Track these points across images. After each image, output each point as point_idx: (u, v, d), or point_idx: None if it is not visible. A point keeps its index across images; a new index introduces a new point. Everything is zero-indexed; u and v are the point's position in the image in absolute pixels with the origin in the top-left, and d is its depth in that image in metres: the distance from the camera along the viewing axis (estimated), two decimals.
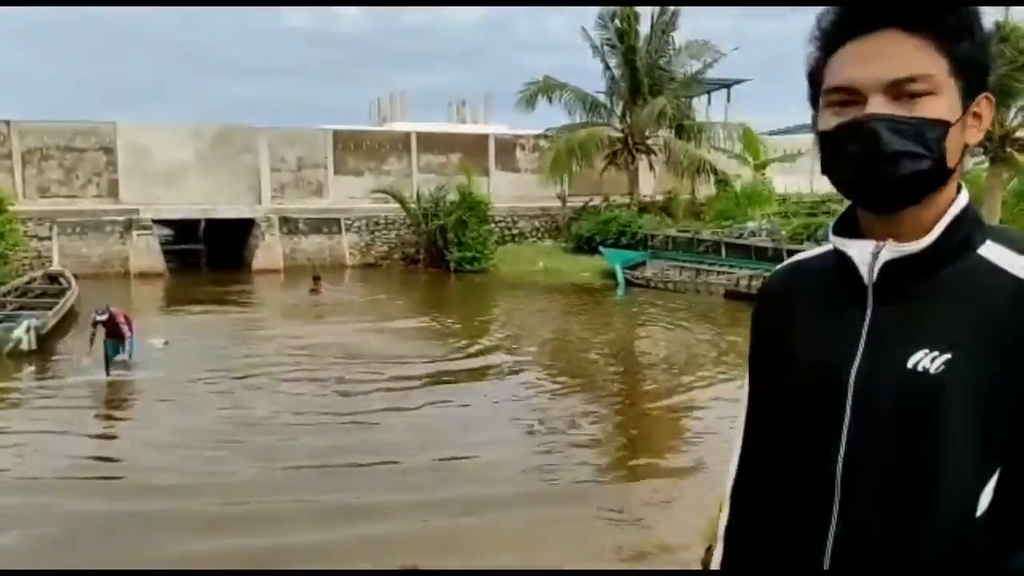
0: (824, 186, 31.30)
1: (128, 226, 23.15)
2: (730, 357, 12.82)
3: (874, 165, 1.02)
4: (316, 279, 20.06)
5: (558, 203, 27.40)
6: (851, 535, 1.06)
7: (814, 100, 1.13)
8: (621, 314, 18.01)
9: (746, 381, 1.28)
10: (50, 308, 14.64)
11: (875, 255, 1.08)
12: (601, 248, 23.15)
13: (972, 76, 1.05)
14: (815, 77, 1.11)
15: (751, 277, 18.95)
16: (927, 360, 1.02)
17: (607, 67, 26.42)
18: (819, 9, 1.12)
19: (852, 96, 1.04)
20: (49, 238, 22.39)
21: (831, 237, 1.14)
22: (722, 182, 26.45)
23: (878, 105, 1.01)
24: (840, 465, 1.07)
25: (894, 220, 1.07)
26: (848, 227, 1.14)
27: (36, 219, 22.14)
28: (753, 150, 27.48)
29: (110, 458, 8.24)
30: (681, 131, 26.69)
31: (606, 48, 26.18)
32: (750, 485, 1.26)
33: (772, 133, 32.28)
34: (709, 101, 32.36)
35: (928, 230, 1.06)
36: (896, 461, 1.03)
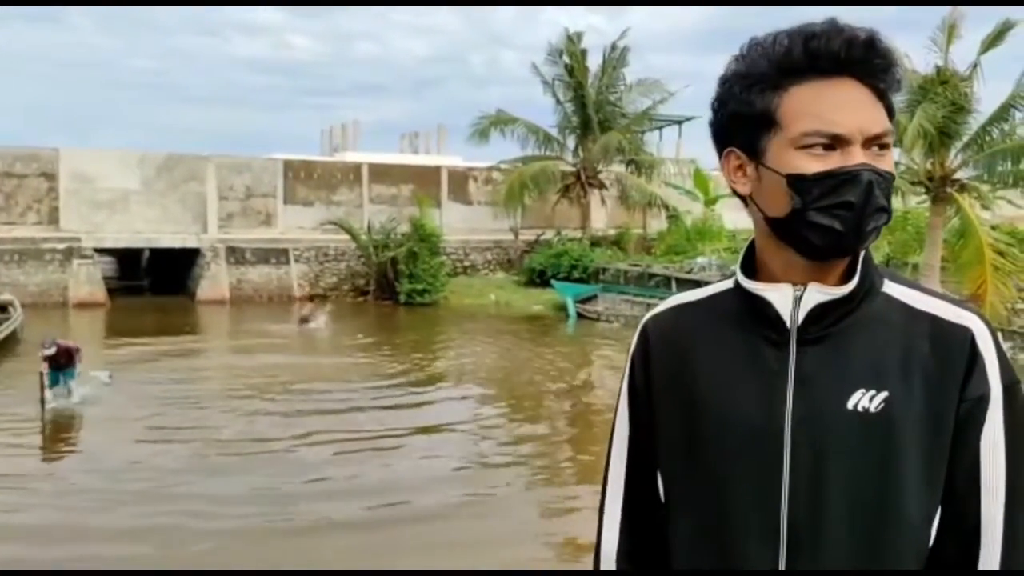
0: None
1: (68, 254, 22.50)
2: None
3: (863, 217, 1.03)
4: (303, 319, 19.63)
5: (511, 236, 27.40)
6: (807, 557, 1.05)
7: (751, 138, 1.09)
8: (572, 347, 17.96)
9: (620, 416, 1.24)
10: None
11: (797, 299, 1.08)
12: (553, 281, 23.15)
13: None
14: (766, 113, 1.07)
15: None
16: (866, 400, 1.04)
17: (558, 102, 26.65)
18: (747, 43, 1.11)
19: (832, 143, 1.04)
20: None
21: (744, 283, 1.14)
22: (673, 217, 26.74)
23: (861, 155, 1.03)
24: (785, 511, 1.06)
25: (824, 266, 1.08)
26: (749, 270, 1.15)
27: None
28: (703, 186, 27.86)
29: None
30: (633, 166, 26.97)
31: (557, 83, 26.42)
32: (643, 520, 1.23)
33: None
34: (660, 137, 32.87)
35: (843, 272, 1.09)
36: (851, 502, 1.04)
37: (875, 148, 1.05)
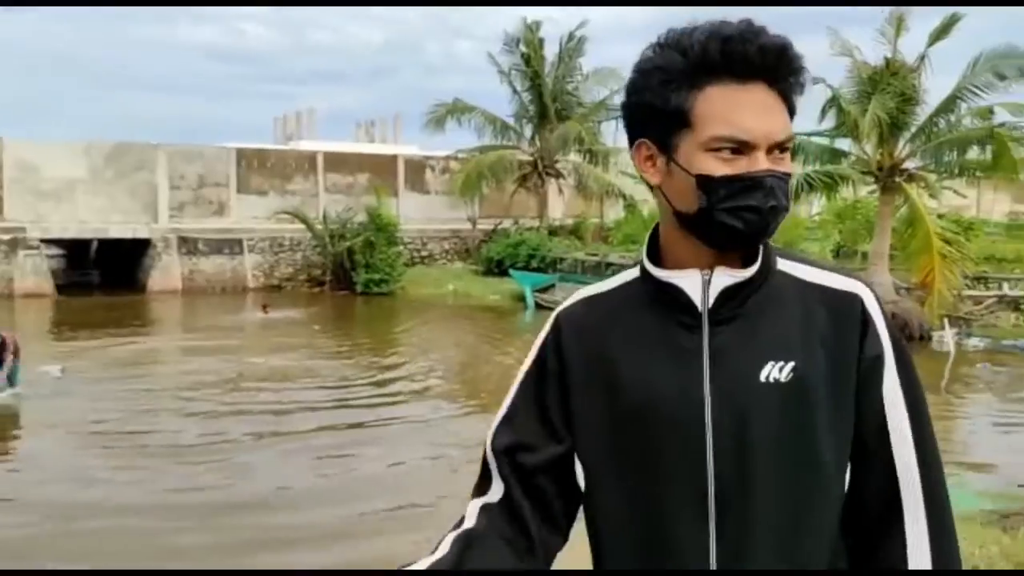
0: None
1: (13, 245, 21.91)
2: None
3: (766, 217, 1.10)
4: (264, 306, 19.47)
5: (468, 225, 27.32)
6: (734, 545, 1.12)
7: (663, 133, 1.13)
8: (530, 336, 17.97)
9: (509, 395, 1.28)
10: None
11: (706, 283, 1.15)
12: (511, 271, 23.15)
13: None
14: (680, 111, 1.11)
15: None
16: (776, 371, 1.12)
17: (515, 91, 26.60)
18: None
19: (740, 148, 1.09)
20: None
21: (654, 271, 1.19)
22: (630, 206, 26.88)
23: (765, 161, 1.10)
24: (711, 481, 1.11)
25: (728, 252, 1.15)
26: (654, 258, 1.21)
27: None
28: None
29: None
30: (590, 156, 27.05)
31: (514, 72, 26.36)
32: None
33: None
34: (617, 127, 32.96)
35: (743, 254, 1.16)
36: (773, 467, 1.11)
37: (777, 152, 1.11)
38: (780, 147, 1.12)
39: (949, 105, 17.50)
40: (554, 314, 1.29)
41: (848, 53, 17.50)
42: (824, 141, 19.01)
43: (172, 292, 22.95)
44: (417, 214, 27.68)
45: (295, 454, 8.80)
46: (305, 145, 31.82)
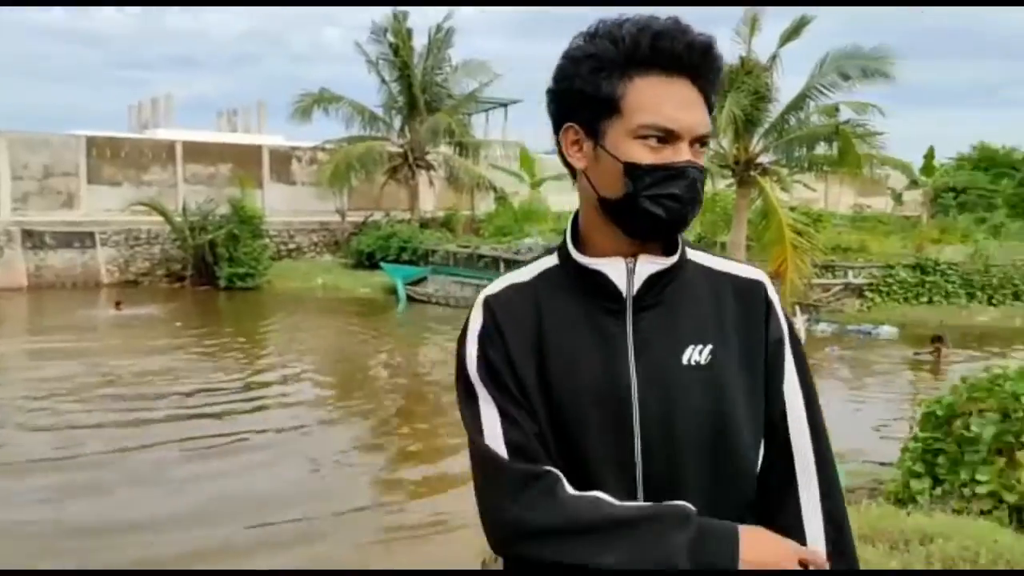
0: None
1: None
2: None
3: (686, 207, 1.15)
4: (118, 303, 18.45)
5: (337, 217, 26.80)
6: (666, 495, 1.17)
7: (592, 119, 1.17)
8: (403, 330, 17.86)
9: (482, 397, 1.23)
10: None
11: (631, 271, 1.19)
12: (382, 264, 22.88)
13: None
14: (610, 99, 1.15)
15: None
16: (696, 354, 1.19)
17: (383, 81, 26.25)
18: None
19: (666, 137, 1.14)
20: None
21: (579, 258, 1.22)
22: (501, 199, 27.06)
23: (688, 152, 1.15)
24: (639, 461, 1.16)
25: (648, 242, 1.20)
26: (576, 244, 1.24)
27: None
28: (529, 168, 28.36)
29: None
30: (461, 148, 27.03)
31: (382, 62, 26.01)
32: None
33: (548, 152, 33.42)
34: (487, 120, 33.07)
35: (660, 244, 1.22)
36: (697, 445, 1.17)
37: (697, 146, 1.17)
38: (700, 141, 1.17)
39: (799, 103, 18.50)
40: (481, 299, 1.29)
41: None
42: None
43: (17, 289, 21.39)
44: (283, 206, 26.90)
45: (154, 468, 8.21)
46: (162, 134, 30.27)
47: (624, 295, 1.20)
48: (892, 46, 17.97)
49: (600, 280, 1.20)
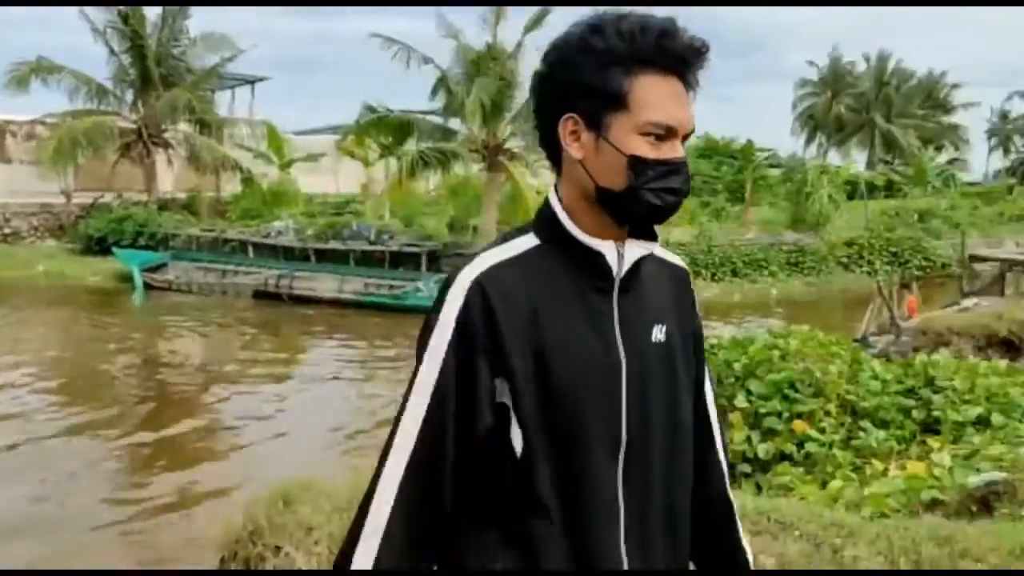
0: (348, 187, 32.30)
1: None
2: (262, 363, 12.57)
3: (680, 199, 1.25)
4: None
5: (62, 199, 24.32)
6: (637, 485, 1.29)
7: (596, 111, 1.22)
8: (144, 321, 16.63)
9: (430, 382, 1.23)
10: None
11: (620, 254, 1.27)
12: (115, 249, 21.10)
13: None
14: (619, 94, 1.20)
15: (279, 276, 19.01)
16: (659, 333, 1.32)
17: (112, 52, 24.15)
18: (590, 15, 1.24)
19: (666, 134, 1.22)
20: None
21: (582, 238, 1.27)
22: (248, 180, 25.91)
23: (680, 149, 1.24)
24: (624, 426, 1.26)
25: (634, 228, 1.29)
26: (560, 229, 1.29)
27: None
28: (277, 149, 27.38)
29: None
30: (202, 126, 25.51)
31: (110, 31, 23.89)
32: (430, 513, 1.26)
33: (298, 133, 32.44)
34: (233, 97, 31.44)
35: (646, 231, 1.31)
36: (661, 415, 1.31)
37: (680, 141, 1.25)
38: (685, 137, 1.25)
39: None
40: (470, 279, 1.24)
41: (454, 36, 18.53)
42: (439, 120, 20.00)
43: None
44: None
45: None
46: None
47: (614, 275, 1.28)
48: None
49: (598, 260, 1.27)
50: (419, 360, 1.26)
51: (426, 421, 1.24)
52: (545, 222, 1.32)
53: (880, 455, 5.53)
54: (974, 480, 4.10)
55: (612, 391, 1.27)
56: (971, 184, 45.28)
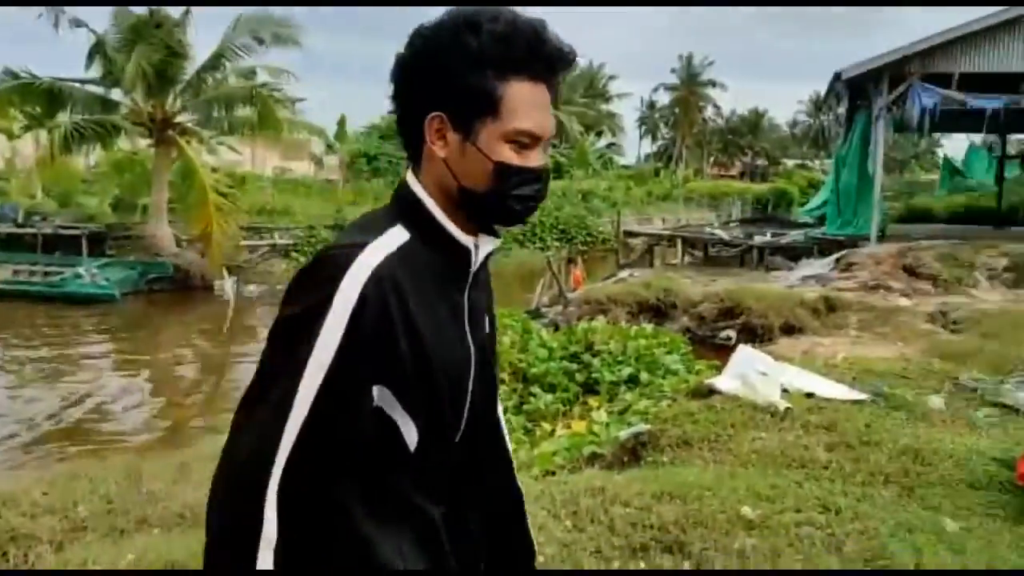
0: None
1: None
2: None
3: (537, 204, 1.28)
4: None
5: None
6: (466, 471, 1.37)
7: (465, 115, 1.19)
8: None
9: (323, 365, 1.14)
10: None
11: (476, 248, 1.29)
12: None
13: None
14: (490, 99, 1.18)
15: None
16: (487, 325, 1.38)
17: None
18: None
19: (532, 140, 1.22)
20: None
21: (456, 234, 1.26)
22: None
23: (542, 156, 1.25)
24: (465, 419, 1.32)
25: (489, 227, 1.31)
26: (433, 223, 1.27)
27: None
28: None
29: None
30: None
31: None
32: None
33: None
34: None
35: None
36: (490, 398, 1.41)
37: (542, 148, 1.26)
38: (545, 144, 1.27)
39: (215, 63, 18.34)
40: (367, 271, 1.16)
41: None
42: (99, 90, 18.13)
43: None
44: None
45: None
46: None
47: (471, 270, 1.30)
48: (299, 15, 18.88)
49: (464, 256, 1.28)
50: (301, 341, 1.16)
51: (316, 401, 1.15)
52: (413, 213, 1.26)
53: (548, 417, 6.01)
54: (624, 433, 4.59)
55: (462, 383, 1.31)
56: (625, 167, 50.52)
